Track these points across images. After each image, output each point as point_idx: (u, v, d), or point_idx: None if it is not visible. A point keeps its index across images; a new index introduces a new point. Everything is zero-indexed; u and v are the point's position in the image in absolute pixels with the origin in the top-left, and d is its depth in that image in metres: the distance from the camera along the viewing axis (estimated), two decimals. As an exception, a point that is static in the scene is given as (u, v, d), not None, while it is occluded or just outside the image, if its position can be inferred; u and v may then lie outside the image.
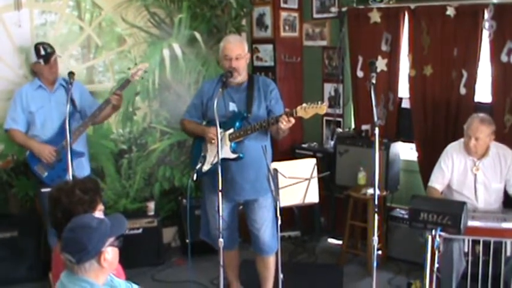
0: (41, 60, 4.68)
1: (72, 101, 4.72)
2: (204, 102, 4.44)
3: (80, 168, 4.68)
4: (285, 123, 3.99)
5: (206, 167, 4.34)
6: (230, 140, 4.25)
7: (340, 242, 5.92)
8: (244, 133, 4.23)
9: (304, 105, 3.99)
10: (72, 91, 4.72)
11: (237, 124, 4.26)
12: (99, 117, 4.82)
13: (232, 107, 4.33)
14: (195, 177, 4.30)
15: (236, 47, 4.28)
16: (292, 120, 3.99)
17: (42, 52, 4.69)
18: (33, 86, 4.77)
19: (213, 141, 4.22)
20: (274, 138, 4.47)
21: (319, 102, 3.99)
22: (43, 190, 4.56)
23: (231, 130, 4.26)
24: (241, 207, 4.67)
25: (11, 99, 5.06)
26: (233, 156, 4.26)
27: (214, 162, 4.22)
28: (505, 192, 4.68)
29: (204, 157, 4.35)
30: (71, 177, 4.13)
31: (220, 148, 3.99)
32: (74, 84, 4.83)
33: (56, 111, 4.69)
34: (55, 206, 2.88)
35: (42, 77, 4.75)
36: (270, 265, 4.61)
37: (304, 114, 4.00)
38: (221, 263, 4.01)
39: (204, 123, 4.46)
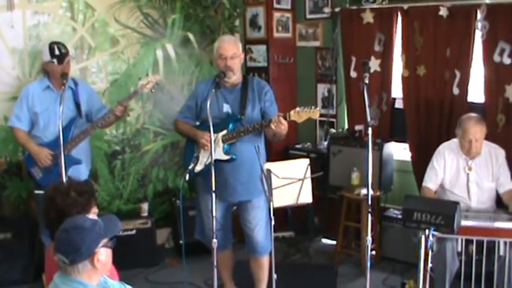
0: (55, 60, 4.57)
1: (78, 106, 4.70)
2: (198, 104, 4.43)
3: (76, 175, 4.56)
4: (276, 125, 3.98)
5: (199, 168, 4.34)
6: (223, 142, 4.25)
7: (334, 242, 5.91)
8: (237, 135, 4.23)
9: (297, 109, 3.99)
10: (78, 94, 4.70)
11: (231, 126, 4.26)
12: (102, 125, 4.76)
13: (226, 108, 4.33)
14: (187, 178, 4.31)
15: (231, 46, 4.29)
16: (283, 122, 3.97)
17: (57, 52, 4.59)
18: (42, 85, 4.70)
19: (205, 147, 4.23)
20: (269, 141, 4.47)
21: (313, 107, 3.99)
22: (37, 192, 4.54)
23: (224, 131, 4.25)
24: (235, 207, 4.67)
25: (5, 100, 5.06)
26: (225, 157, 4.27)
27: (207, 163, 4.22)
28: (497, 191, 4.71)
29: (197, 158, 4.35)
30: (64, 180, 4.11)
31: (213, 149, 3.99)
32: (83, 87, 4.82)
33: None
34: (49, 206, 2.88)
35: (53, 77, 4.65)
36: (264, 266, 4.61)
37: (298, 118, 4.00)
38: (215, 263, 4.01)
39: (198, 123, 4.45)
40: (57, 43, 4.67)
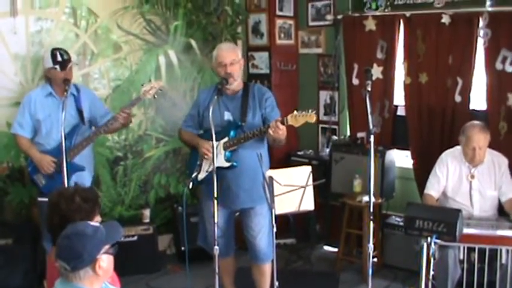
0: (57, 66, 4.53)
1: (80, 112, 4.68)
2: (200, 113, 4.45)
3: (80, 182, 4.56)
4: (274, 130, 3.98)
5: (201, 176, 4.35)
6: (224, 149, 4.25)
7: (335, 250, 5.91)
8: (238, 142, 4.23)
9: (295, 113, 3.98)
10: (81, 101, 4.68)
11: (232, 133, 4.26)
12: (106, 131, 4.74)
13: (227, 116, 4.33)
14: (190, 186, 4.32)
15: (229, 53, 4.30)
16: (281, 127, 3.96)
17: (59, 58, 4.55)
18: (44, 92, 4.66)
19: (206, 156, 4.24)
20: (271, 147, 4.47)
21: (310, 111, 3.98)
22: (40, 199, 4.54)
23: (225, 139, 4.25)
24: (237, 214, 4.67)
25: (8, 105, 5.06)
26: (227, 164, 4.26)
27: (209, 170, 4.23)
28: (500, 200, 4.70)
29: (200, 166, 4.36)
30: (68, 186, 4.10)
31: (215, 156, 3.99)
32: (85, 93, 4.79)
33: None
34: (53, 210, 2.89)
35: (55, 84, 4.62)
36: (266, 273, 4.60)
37: (295, 123, 3.99)
38: (216, 270, 4.00)
39: (201, 131, 4.46)
40: (59, 49, 4.65)
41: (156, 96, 4.69)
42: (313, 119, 3.99)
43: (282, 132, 3.99)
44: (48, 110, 4.63)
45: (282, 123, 3.97)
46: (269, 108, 4.36)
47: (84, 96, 4.74)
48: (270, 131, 3.99)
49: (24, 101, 4.68)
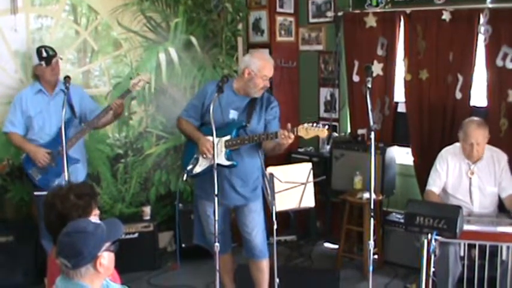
0: (43, 62, 4.66)
1: (71, 107, 4.75)
2: (204, 105, 4.39)
3: (74, 174, 4.65)
4: (284, 138, 3.97)
5: (197, 169, 4.33)
6: (226, 147, 4.24)
7: (336, 246, 5.91)
8: (241, 142, 4.21)
9: (305, 125, 3.96)
10: (71, 96, 4.73)
11: (234, 132, 4.24)
12: (99, 123, 4.82)
13: (233, 114, 4.30)
14: (185, 178, 4.31)
15: (273, 67, 4.29)
16: (292, 137, 3.96)
17: (44, 54, 4.67)
18: (33, 89, 4.77)
19: (204, 156, 4.23)
20: (268, 155, 4.45)
21: (320, 125, 3.97)
22: (36, 193, 4.58)
23: (228, 137, 4.24)
24: (233, 215, 4.66)
25: (8, 103, 5.06)
26: (227, 163, 4.24)
27: (207, 166, 4.23)
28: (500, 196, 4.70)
29: (197, 159, 4.33)
30: (64, 182, 4.13)
31: (216, 154, 3.99)
32: (74, 89, 4.83)
33: (55, 116, 4.68)
34: (50, 211, 2.88)
35: (44, 80, 4.74)
36: (264, 269, 4.59)
37: (305, 134, 3.97)
38: (217, 267, 4.01)
39: (199, 124, 4.44)
40: (44, 46, 4.77)
41: (144, 88, 4.75)
42: (324, 134, 4.00)
43: (290, 140, 3.99)
44: (39, 106, 4.74)
45: (292, 132, 3.97)
46: (271, 116, 4.36)
47: (73, 92, 4.79)
48: (281, 140, 3.99)
49: (15, 100, 4.79)
